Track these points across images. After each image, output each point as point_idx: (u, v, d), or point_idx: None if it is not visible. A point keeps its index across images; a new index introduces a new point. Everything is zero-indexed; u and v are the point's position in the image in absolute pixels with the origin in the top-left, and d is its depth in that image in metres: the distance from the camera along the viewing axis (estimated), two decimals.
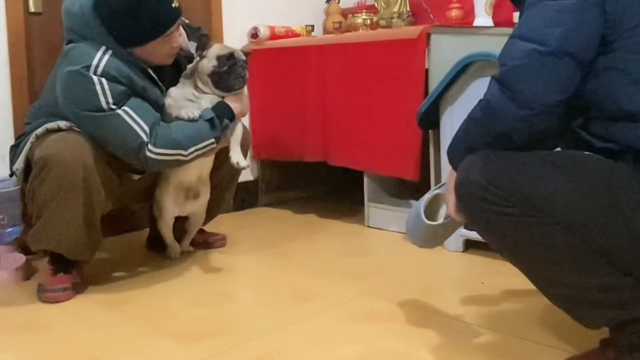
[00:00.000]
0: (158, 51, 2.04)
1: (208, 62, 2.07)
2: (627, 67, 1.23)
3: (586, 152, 1.29)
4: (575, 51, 1.23)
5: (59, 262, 2.03)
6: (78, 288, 2.03)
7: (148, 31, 1.97)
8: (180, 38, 2.10)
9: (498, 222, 1.28)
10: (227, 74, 2.07)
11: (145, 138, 1.93)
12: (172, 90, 2.10)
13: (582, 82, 1.27)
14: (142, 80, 2.00)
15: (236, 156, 2.10)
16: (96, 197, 1.96)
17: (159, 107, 2.04)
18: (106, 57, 1.94)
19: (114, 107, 1.91)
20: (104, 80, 1.91)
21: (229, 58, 2.07)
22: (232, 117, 2.08)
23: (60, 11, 2.02)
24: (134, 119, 1.93)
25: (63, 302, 1.95)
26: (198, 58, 2.10)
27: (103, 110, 1.91)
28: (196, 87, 2.09)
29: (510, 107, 1.25)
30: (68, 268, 2.03)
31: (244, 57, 2.12)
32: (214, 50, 2.10)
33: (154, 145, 1.94)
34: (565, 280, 1.27)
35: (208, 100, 2.08)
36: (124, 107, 1.93)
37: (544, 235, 1.24)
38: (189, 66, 2.14)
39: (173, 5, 2.00)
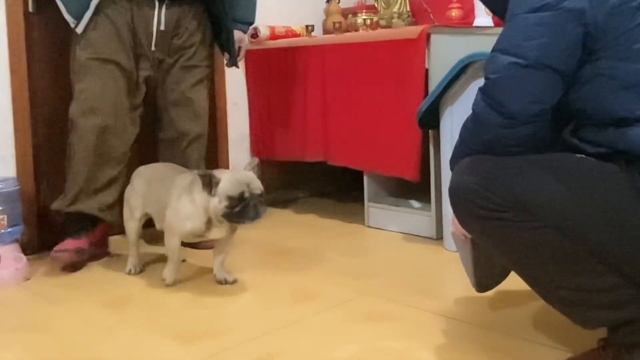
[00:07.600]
0: None
1: (219, 203, 1.91)
2: (615, 73, 1.24)
3: (578, 155, 1.29)
4: (554, 62, 1.24)
5: (71, 226, 2.26)
6: (83, 254, 2.23)
7: None
8: None
9: (491, 227, 1.29)
10: (240, 213, 1.92)
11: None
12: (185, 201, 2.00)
13: (570, 91, 1.28)
14: None
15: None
16: (113, 154, 2.29)
17: None
18: None
19: None
20: None
21: (240, 199, 1.90)
22: None
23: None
24: None
25: (68, 272, 2.19)
26: (206, 195, 1.95)
27: None
28: (208, 221, 1.99)
29: (494, 116, 1.29)
30: (78, 232, 2.24)
31: (257, 192, 1.94)
32: (225, 187, 1.91)
33: None
34: (560, 283, 1.27)
35: (217, 231, 2.02)
36: None
37: (538, 239, 1.24)
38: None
39: None
